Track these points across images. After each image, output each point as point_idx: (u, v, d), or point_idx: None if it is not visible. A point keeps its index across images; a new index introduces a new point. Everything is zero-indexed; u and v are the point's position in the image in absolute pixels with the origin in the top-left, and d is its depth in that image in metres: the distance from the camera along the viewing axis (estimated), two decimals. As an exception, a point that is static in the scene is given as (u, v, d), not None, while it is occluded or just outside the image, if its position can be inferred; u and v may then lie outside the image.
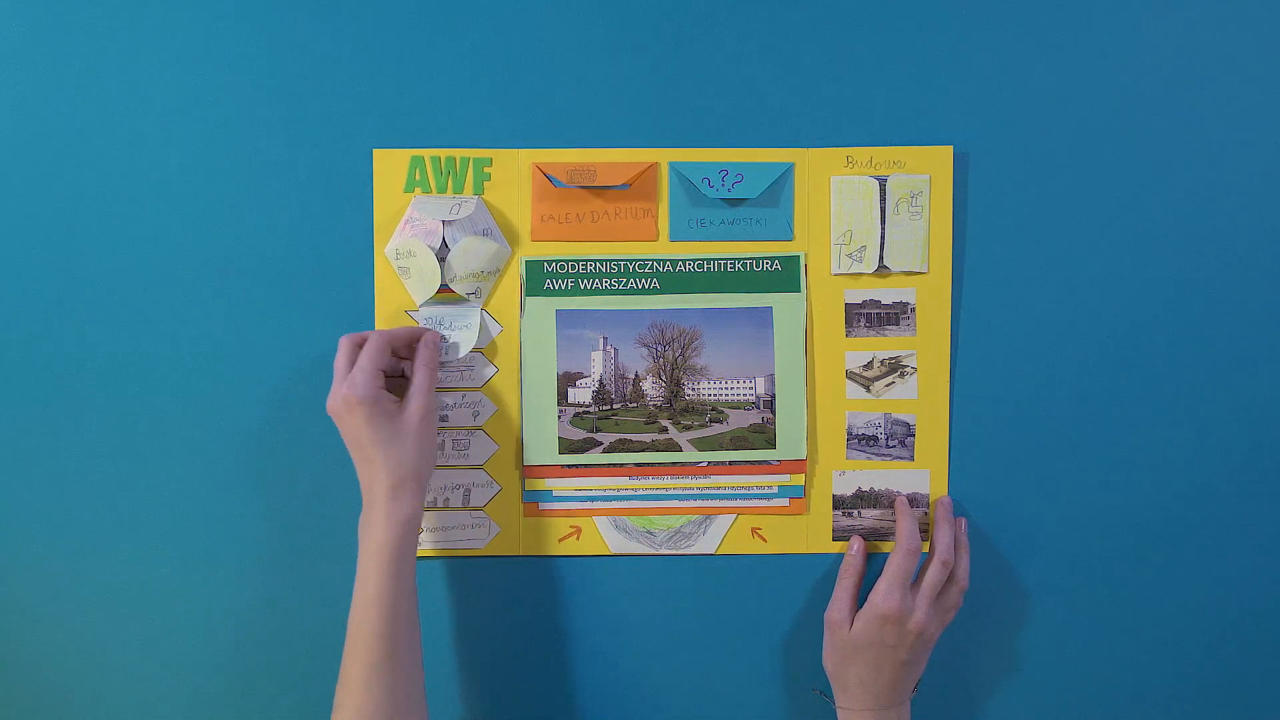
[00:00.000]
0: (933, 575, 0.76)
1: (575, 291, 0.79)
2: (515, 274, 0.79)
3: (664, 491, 0.81)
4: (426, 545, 0.80)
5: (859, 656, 0.75)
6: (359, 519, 0.72)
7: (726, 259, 0.79)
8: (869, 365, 0.80)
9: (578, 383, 0.80)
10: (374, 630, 0.69)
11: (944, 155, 0.79)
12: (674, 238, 0.79)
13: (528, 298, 0.79)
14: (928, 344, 0.80)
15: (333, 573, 0.79)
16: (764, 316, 0.80)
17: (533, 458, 0.80)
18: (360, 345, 0.74)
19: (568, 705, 0.81)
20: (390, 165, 0.78)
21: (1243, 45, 0.79)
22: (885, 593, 0.74)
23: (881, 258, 0.79)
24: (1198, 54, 0.79)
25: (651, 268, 0.79)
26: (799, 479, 0.80)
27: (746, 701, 0.82)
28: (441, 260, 0.76)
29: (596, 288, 0.79)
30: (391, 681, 0.69)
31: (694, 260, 0.79)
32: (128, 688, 0.80)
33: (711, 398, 0.80)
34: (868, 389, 0.80)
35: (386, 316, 0.79)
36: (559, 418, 0.80)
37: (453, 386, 0.80)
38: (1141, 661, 0.82)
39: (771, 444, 0.80)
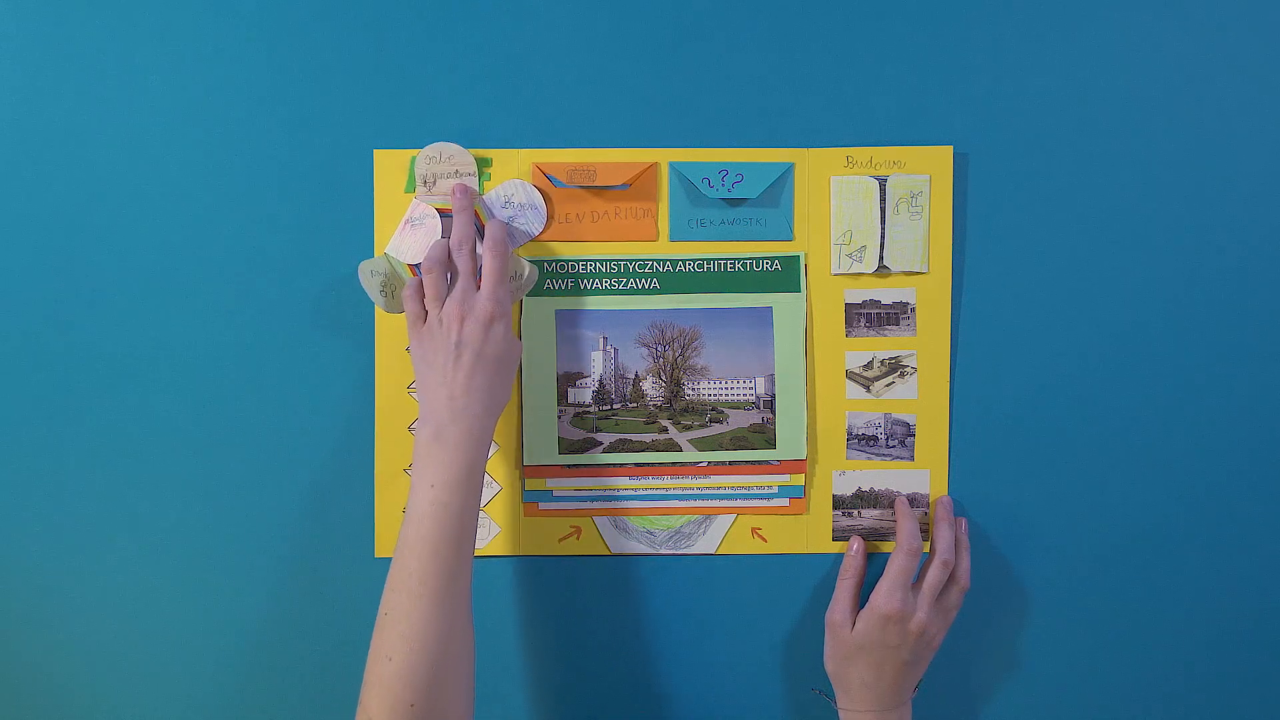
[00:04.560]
0: (933, 575, 0.76)
1: (575, 291, 0.79)
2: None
3: (664, 491, 0.80)
4: (426, 545, 0.80)
5: (861, 657, 0.75)
6: (446, 434, 0.69)
7: (726, 259, 0.79)
8: (869, 365, 0.80)
9: (578, 383, 0.80)
10: (468, 541, 0.69)
11: (944, 155, 0.79)
12: (674, 238, 0.79)
13: (528, 298, 0.79)
14: (928, 344, 0.80)
15: (334, 572, 0.79)
16: (764, 316, 0.80)
17: (533, 458, 0.80)
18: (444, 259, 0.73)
19: (568, 705, 0.81)
20: (390, 165, 0.78)
21: (1242, 45, 0.79)
22: (887, 593, 0.74)
23: (881, 258, 0.79)
24: (1197, 54, 0.79)
25: (651, 268, 0.79)
26: (799, 479, 0.80)
27: (746, 701, 0.82)
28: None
29: (596, 288, 0.79)
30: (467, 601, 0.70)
31: (694, 260, 0.79)
32: (129, 688, 0.80)
33: (711, 398, 0.80)
34: (868, 389, 0.80)
35: (386, 316, 0.79)
36: (559, 418, 0.80)
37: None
38: (1141, 661, 0.82)
39: (771, 444, 0.80)
